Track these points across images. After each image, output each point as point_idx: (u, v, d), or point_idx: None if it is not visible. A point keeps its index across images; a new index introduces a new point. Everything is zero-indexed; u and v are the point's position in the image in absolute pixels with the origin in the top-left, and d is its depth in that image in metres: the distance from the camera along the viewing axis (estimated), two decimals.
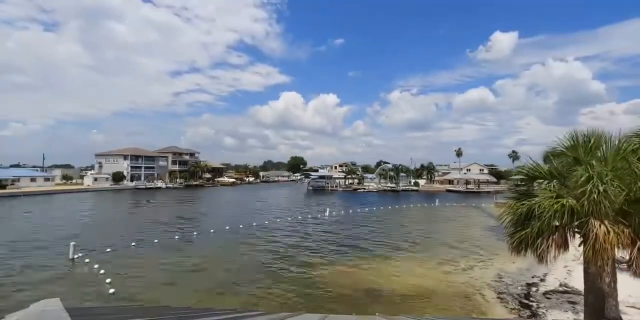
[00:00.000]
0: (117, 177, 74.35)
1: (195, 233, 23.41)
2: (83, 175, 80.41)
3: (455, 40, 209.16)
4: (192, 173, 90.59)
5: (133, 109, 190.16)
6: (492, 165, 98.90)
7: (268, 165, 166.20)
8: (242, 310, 6.03)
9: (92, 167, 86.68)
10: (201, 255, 17.90)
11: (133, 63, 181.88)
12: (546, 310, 10.77)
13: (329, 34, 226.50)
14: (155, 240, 20.41)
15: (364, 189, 77.53)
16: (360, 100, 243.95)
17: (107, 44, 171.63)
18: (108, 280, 13.00)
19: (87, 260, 16.00)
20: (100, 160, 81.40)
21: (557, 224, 7.42)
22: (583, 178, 6.96)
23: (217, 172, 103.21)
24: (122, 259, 16.74)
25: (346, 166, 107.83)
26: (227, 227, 25.50)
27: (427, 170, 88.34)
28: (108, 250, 18.09)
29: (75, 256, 16.36)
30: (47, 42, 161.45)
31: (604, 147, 7.78)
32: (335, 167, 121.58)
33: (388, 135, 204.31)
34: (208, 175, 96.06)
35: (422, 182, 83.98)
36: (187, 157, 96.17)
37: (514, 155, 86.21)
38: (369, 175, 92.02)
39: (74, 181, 76.90)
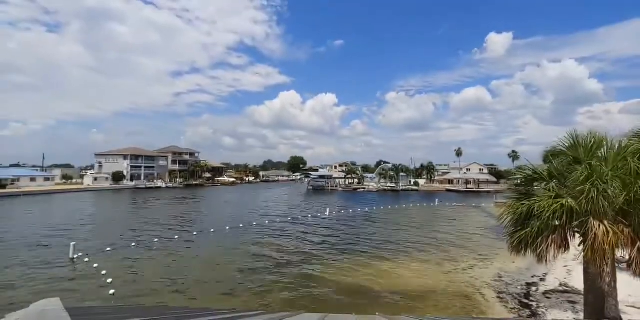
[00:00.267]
0: (117, 176, 74.33)
1: (195, 233, 23.41)
2: (83, 175, 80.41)
3: (455, 41, 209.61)
4: (192, 173, 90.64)
5: (134, 109, 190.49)
6: (492, 165, 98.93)
7: (268, 165, 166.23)
8: (241, 310, 6.04)
9: (92, 167, 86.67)
10: (201, 255, 17.91)
11: (134, 64, 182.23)
12: (546, 310, 10.77)
13: (329, 34, 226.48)
14: (156, 240, 20.41)
15: (364, 188, 77.53)
16: (359, 100, 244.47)
17: (109, 45, 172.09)
18: (109, 281, 13.00)
19: (87, 260, 16.00)
20: (100, 160, 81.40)
21: (557, 223, 7.42)
22: (582, 177, 6.96)
23: (217, 171, 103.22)
24: (122, 258, 16.74)
25: (346, 166, 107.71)
26: (228, 227, 25.50)
27: (427, 170, 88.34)
28: (108, 249, 18.10)
29: (75, 256, 16.36)
30: (49, 43, 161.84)
31: (604, 147, 7.79)
32: (335, 167, 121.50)
33: (387, 135, 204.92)
34: (208, 175, 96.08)
35: (422, 181, 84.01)
36: (187, 157, 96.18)
37: (514, 155, 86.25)
38: (369, 175, 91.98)
39: (73, 181, 76.92)
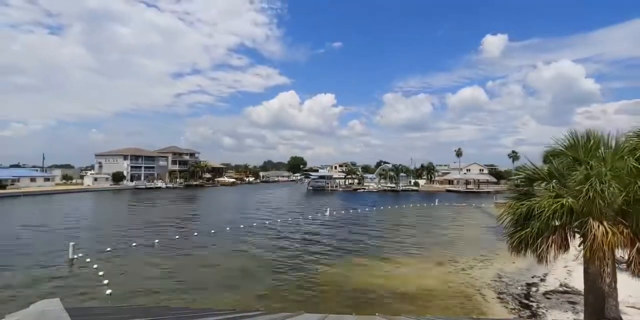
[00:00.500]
0: (117, 177, 74.35)
1: (195, 233, 23.41)
2: (83, 175, 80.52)
3: (454, 42, 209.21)
4: (192, 173, 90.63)
5: (134, 109, 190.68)
6: (492, 165, 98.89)
7: (268, 166, 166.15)
8: (241, 310, 6.03)
9: (92, 167, 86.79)
10: (201, 255, 17.90)
11: (136, 65, 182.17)
12: (546, 310, 10.76)
13: (328, 36, 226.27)
14: (156, 241, 20.39)
15: (364, 189, 77.57)
16: (359, 101, 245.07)
17: (111, 46, 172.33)
18: (106, 282, 12.99)
19: (87, 260, 15.99)
20: (100, 160, 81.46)
21: (557, 223, 7.42)
22: (581, 177, 6.96)
23: (217, 172, 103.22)
24: (122, 259, 16.74)
25: (346, 166, 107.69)
26: (228, 228, 25.49)
27: (427, 170, 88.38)
28: (108, 250, 18.08)
29: (75, 256, 16.35)
30: (51, 45, 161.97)
31: (603, 147, 7.78)
32: (335, 167, 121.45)
33: (386, 135, 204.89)
34: (208, 175, 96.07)
35: (422, 182, 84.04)
36: (187, 157, 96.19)
37: (514, 155, 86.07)
38: (369, 176, 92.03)
39: (74, 181, 76.90)
